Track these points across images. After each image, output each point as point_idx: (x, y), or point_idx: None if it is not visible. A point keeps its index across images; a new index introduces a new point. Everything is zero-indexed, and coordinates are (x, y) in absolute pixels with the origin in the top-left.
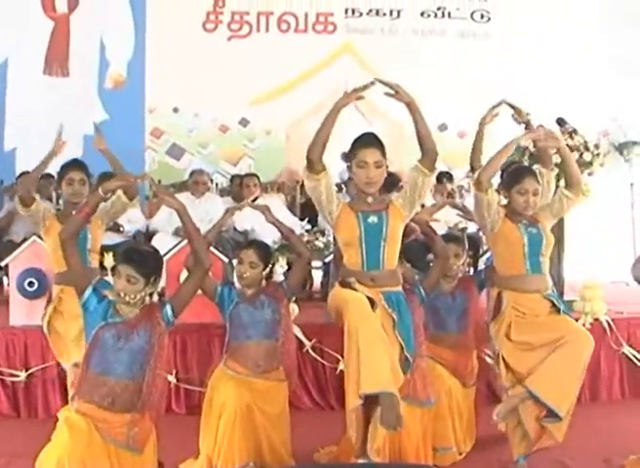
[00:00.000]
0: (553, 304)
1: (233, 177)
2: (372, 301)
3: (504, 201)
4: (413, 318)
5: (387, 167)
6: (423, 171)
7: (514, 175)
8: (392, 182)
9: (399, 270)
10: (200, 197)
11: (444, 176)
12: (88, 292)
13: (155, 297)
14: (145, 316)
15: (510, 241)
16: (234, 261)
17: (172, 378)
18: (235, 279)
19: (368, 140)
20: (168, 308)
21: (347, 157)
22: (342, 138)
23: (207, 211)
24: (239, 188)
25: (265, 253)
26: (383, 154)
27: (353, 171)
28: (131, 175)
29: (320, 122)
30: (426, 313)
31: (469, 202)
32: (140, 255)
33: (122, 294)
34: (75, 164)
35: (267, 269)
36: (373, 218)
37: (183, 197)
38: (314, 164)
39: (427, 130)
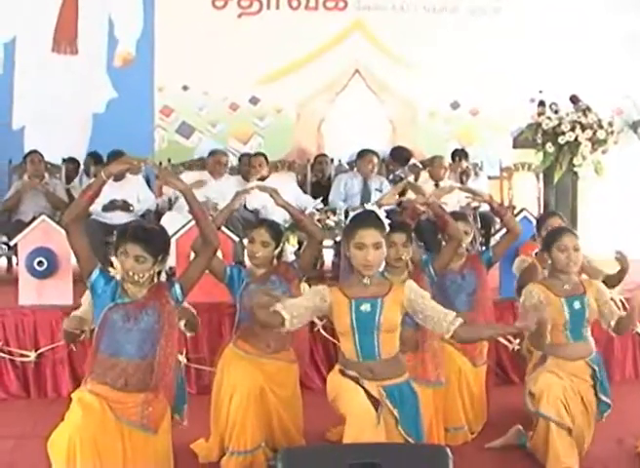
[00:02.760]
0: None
1: (242, 156)
2: (375, 401)
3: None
4: (418, 406)
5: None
6: (447, 329)
7: (552, 233)
8: (406, 157)
9: (401, 357)
10: (219, 178)
11: (458, 154)
12: (95, 273)
13: (163, 276)
14: (154, 295)
15: (551, 315)
16: (245, 241)
17: (182, 358)
18: (246, 258)
19: (366, 220)
20: (177, 287)
21: (345, 236)
22: (353, 117)
23: (222, 192)
24: (247, 168)
25: (277, 232)
26: (383, 234)
27: (351, 251)
28: (133, 159)
29: (326, 101)
30: (435, 292)
31: (480, 182)
32: (147, 234)
33: (131, 274)
34: (119, 154)
35: (279, 248)
36: (365, 306)
37: (197, 176)
38: (270, 325)
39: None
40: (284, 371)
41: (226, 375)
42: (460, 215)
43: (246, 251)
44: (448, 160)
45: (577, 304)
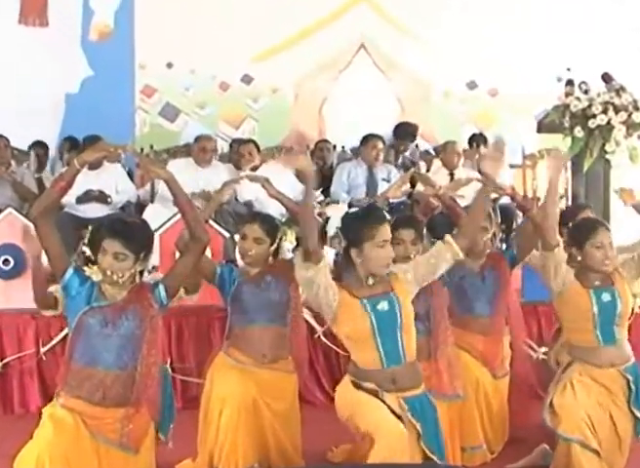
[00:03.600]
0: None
1: (233, 142)
2: (398, 417)
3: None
4: (437, 420)
5: None
6: (457, 251)
7: (585, 228)
8: (411, 133)
9: (418, 363)
10: (206, 166)
11: (476, 140)
12: (68, 273)
13: (146, 276)
14: (135, 297)
15: (578, 308)
16: (236, 237)
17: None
18: (238, 256)
19: (381, 215)
20: (160, 288)
21: (356, 234)
22: (358, 98)
23: (210, 181)
24: (237, 155)
25: (272, 228)
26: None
27: (368, 252)
28: (110, 145)
29: (327, 80)
30: (452, 295)
31: (501, 172)
32: (127, 228)
33: (108, 273)
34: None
35: (274, 245)
36: (382, 305)
37: (183, 164)
38: (313, 254)
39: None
40: (281, 382)
41: (216, 387)
42: None
43: (237, 248)
44: (464, 145)
45: (606, 296)
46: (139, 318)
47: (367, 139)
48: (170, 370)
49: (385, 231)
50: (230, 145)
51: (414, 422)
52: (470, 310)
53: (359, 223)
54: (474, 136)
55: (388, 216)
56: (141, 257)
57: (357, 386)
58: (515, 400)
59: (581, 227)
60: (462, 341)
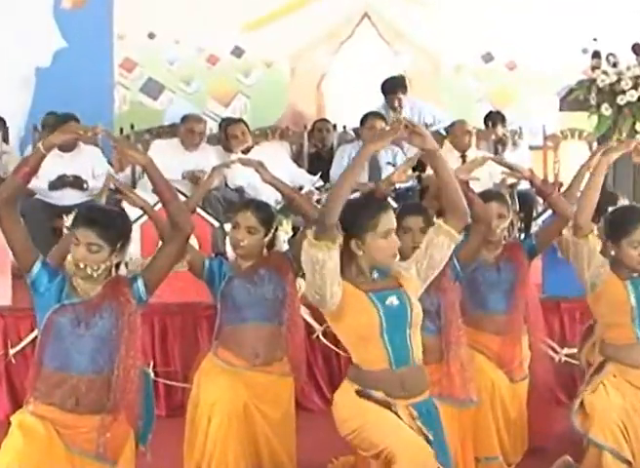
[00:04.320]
0: None
1: (222, 122)
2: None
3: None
4: (442, 427)
5: None
6: (449, 231)
7: (623, 222)
8: (400, 83)
9: (424, 367)
10: (193, 149)
11: (492, 118)
12: (36, 267)
13: (123, 270)
14: (110, 293)
15: (615, 302)
16: (227, 226)
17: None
18: (229, 248)
19: (383, 202)
20: (139, 283)
21: (358, 224)
22: (361, 73)
23: (198, 165)
24: (227, 137)
25: (267, 216)
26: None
27: (371, 243)
28: (80, 127)
29: (327, 53)
30: (464, 290)
31: (520, 153)
32: (103, 216)
33: (82, 266)
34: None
35: (269, 236)
36: (391, 299)
37: (168, 146)
38: (330, 232)
39: (454, 185)
40: (276, 386)
41: (203, 392)
42: (494, 195)
43: (229, 238)
44: (478, 125)
45: None
46: (115, 316)
47: (366, 118)
48: (152, 373)
49: (389, 220)
50: (219, 125)
51: (424, 431)
52: (484, 307)
53: (359, 212)
54: (490, 114)
55: (393, 203)
56: (118, 248)
57: (363, 395)
58: (535, 406)
59: (620, 221)
60: (476, 342)
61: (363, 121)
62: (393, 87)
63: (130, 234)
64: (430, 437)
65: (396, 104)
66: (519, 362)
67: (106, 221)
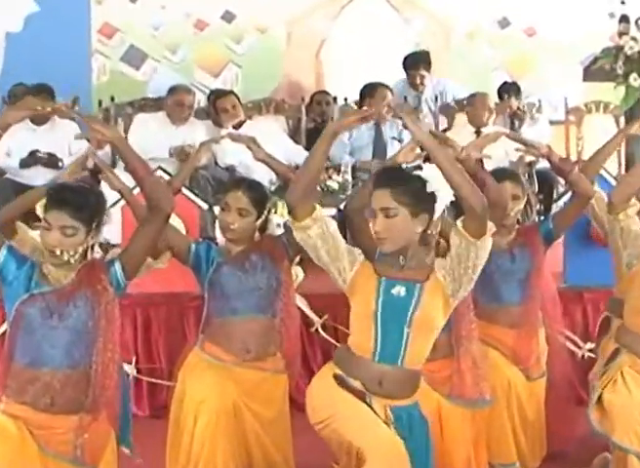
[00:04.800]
0: None
1: (211, 94)
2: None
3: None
4: (427, 437)
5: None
6: (465, 236)
7: None
8: (424, 59)
9: (418, 375)
10: (181, 124)
11: (507, 90)
12: (1, 255)
13: (97, 252)
14: (85, 279)
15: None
16: (216, 208)
17: (130, 369)
18: (218, 231)
19: (382, 178)
20: (116, 267)
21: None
22: (365, 40)
23: (186, 141)
24: (217, 110)
25: (260, 197)
26: (400, 198)
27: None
28: (35, 103)
29: (327, 18)
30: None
31: (539, 128)
32: (74, 195)
33: (58, 253)
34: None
35: (262, 218)
36: (399, 289)
37: (152, 120)
38: (296, 209)
39: (461, 177)
40: (267, 384)
41: (189, 390)
42: (508, 174)
43: (218, 221)
44: (493, 97)
45: None
46: (90, 305)
47: (374, 89)
48: (135, 370)
49: (375, 197)
50: (208, 98)
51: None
52: (497, 297)
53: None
54: (505, 85)
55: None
56: (93, 228)
57: (340, 382)
58: (553, 406)
59: None
60: (488, 336)
61: (371, 91)
62: (415, 63)
63: (104, 211)
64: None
65: (418, 82)
66: (536, 357)
67: (79, 200)
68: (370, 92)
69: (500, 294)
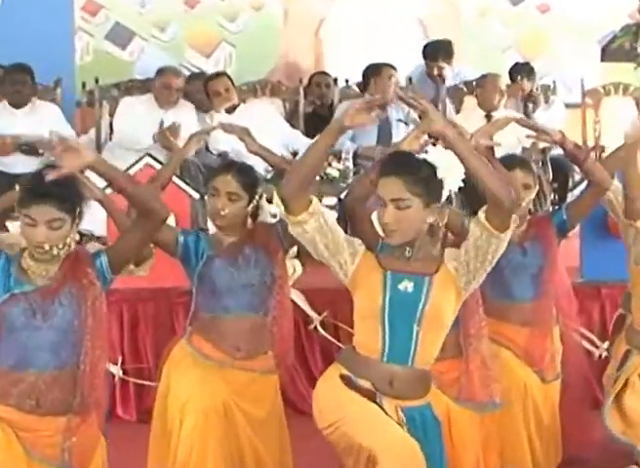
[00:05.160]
0: None
1: (192, 76)
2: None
3: None
4: (441, 438)
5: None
6: (488, 229)
7: None
8: (445, 49)
9: (429, 375)
10: (170, 108)
11: (519, 71)
12: None
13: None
14: (70, 274)
15: None
16: (207, 196)
17: (115, 369)
18: (209, 220)
19: (391, 165)
20: (103, 259)
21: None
22: (368, 18)
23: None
24: (208, 93)
25: (251, 181)
26: (416, 186)
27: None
28: None
29: None
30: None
31: (554, 111)
32: (56, 186)
33: (46, 247)
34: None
35: (253, 203)
36: (406, 284)
37: (139, 103)
38: (291, 203)
39: (486, 169)
40: (256, 384)
41: (174, 386)
42: (519, 162)
43: (207, 207)
44: (504, 79)
45: None
46: (76, 302)
47: (379, 69)
48: (121, 371)
49: (384, 185)
50: (189, 79)
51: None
52: (508, 294)
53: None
54: (517, 66)
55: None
56: (77, 216)
57: (348, 383)
58: (569, 409)
59: None
60: (499, 334)
61: (376, 71)
62: (435, 53)
63: (85, 196)
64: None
65: (435, 73)
66: (550, 358)
67: (62, 190)
68: (375, 71)
69: (512, 291)
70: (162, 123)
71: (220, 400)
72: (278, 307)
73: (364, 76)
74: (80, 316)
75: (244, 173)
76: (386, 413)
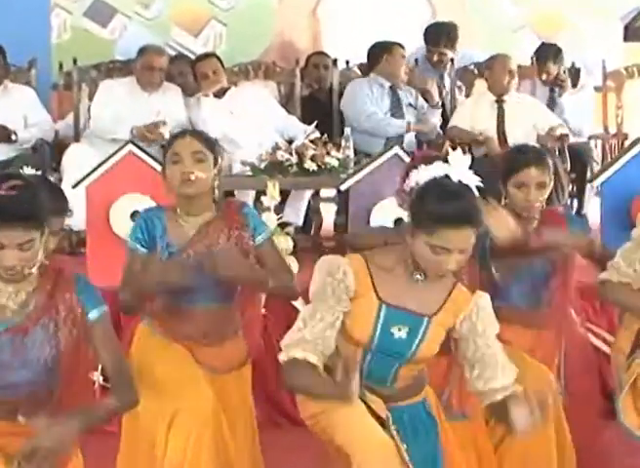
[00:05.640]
0: None
1: (176, 58)
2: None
3: None
4: (437, 438)
5: None
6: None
7: None
8: (448, 33)
9: (424, 376)
10: (153, 91)
11: (545, 53)
12: None
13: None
14: (48, 303)
15: None
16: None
17: (96, 376)
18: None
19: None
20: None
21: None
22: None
23: (159, 110)
24: (196, 75)
25: (210, 139)
26: (476, 229)
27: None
28: None
29: None
30: (485, 280)
31: (583, 97)
32: (21, 205)
33: (18, 268)
34: None
35: (218, 166)
36: (401, 330)
37: (121, 87)
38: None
39: None
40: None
41: (148, 372)
42: (533, 158)
43: (169, 180)
44: (517, 61)
45: None
46: (53, 335)
47: (391, 47)
48: (101, 378)
49: (453, 239)
50: (171, 59)
51: (397, 441)
52: (511, 300)
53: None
54: (543, 47)
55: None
56: (47, 224)
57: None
58: (578, 417)
59: None
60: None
61: (387, 50)
62: (437, 38)
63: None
64: (404, 449)
65: (436, 59)
66: (549, 357)
67: (28, 208)
68: (387, 48)
69: (513, 296)
70: (158, 113)
71: (211, 405)
72: (247, 299)
73: (371, 55)
74: (58, 349)
75: (201, 133)
76: (371, 409)
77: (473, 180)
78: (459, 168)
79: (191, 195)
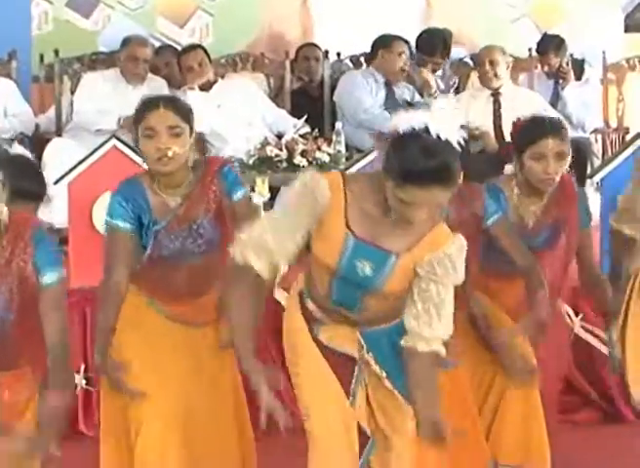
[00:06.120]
0: None
1: (161, 48)
2: (352, 360)
3: None
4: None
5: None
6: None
7: None
8: (443, 41)
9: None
10: (138, 83)
11: (547, 44)
12: None
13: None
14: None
15: None
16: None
17: (78, 379)
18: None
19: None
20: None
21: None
22: None
23: None
24: (181, 68)
25: (185, 107)
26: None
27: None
28: None
29: None
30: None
31: (588, 89)
32: None
33: None
34: None
35: (193, 135)
36: (364, 265)
37: (104, 80)
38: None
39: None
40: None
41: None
42: (550, 128)
43: (144, 157)
44: (515, 51)
45: None
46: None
47: (390, 42)
48: (83, 380)
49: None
50: (156, 51)
51: (375, 369)
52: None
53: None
54: (545, 38)
55: None
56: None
57: (302, 304)
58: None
59: None
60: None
61: (386, 44)
62: (431, 49)
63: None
64: (381, 373)
65: (430, 69)
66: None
67: None
68: (384, 44)
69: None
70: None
71: (182, 399)
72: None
73: (373, 47)
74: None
75: (174, 101)
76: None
77: (454, 135)
78: (439, 120)
79: (168, 172)
